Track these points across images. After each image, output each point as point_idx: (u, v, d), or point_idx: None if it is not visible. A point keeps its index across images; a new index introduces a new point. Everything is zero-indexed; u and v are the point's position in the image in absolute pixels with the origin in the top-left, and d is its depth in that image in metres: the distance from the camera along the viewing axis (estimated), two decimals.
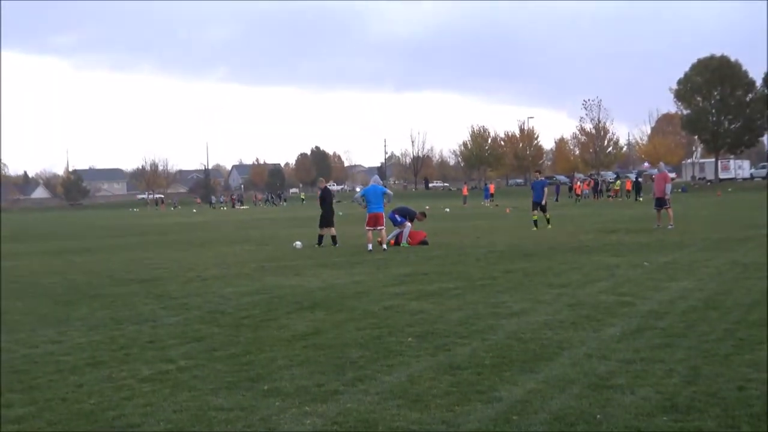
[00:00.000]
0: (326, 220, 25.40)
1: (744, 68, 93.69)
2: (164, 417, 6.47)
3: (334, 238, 25.15)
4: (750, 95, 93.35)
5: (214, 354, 8.99)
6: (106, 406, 6.92)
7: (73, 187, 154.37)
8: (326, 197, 26.29)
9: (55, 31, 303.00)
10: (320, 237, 25.41)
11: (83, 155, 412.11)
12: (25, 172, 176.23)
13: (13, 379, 8.06)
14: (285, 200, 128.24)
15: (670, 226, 26.48)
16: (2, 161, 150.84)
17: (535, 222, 29.18)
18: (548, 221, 29.79)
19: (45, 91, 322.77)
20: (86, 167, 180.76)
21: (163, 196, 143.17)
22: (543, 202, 29.59)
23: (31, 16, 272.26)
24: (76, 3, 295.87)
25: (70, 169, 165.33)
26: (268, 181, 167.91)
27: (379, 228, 23.04)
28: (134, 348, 9.56)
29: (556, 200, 68.14)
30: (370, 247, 22.66)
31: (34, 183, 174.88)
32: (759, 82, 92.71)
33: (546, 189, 30.85)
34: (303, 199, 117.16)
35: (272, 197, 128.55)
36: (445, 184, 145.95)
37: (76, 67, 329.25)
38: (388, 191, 24.34)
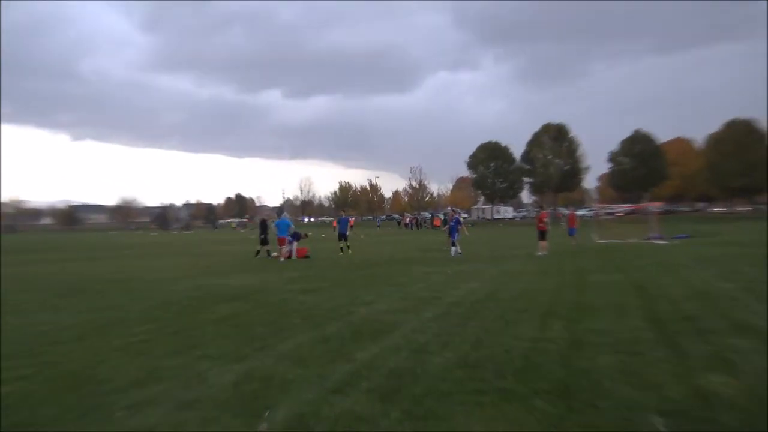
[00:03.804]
0: (264, 241, 25.34)
1: (510, 150, 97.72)
2: (128, 374, 6.16)
3: (267, 252, 24.81)
4: (512, 167, 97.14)
5: (164, 330, 8.59)
6: (86, 366, 6.54)
7: (70, 217, 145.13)
8: (265, 226, 26.23)
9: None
10: (258, 251, 25.26)
11: (78, 193, 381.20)
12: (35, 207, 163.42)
13: (22, 349, 7.49)
14: (216, 227, 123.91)
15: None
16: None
17: (341, 249, 24.95)
18: (348, 248, 25.06)
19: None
20: (80, 203, 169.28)
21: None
22: (347, 234, 25.53)
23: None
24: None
25: (69, 204, 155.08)
26: (205, 214, 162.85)
27: (281, 247, 22.92)
28: (108, 327, 9.04)
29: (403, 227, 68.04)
30: (282, 259, 22.45)
31: (43, 214, 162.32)
32: (518, 159, 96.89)
33: (349, 223, 27.82)
34: (234, 227, 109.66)
35: (210, 224, 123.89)
36: (322, 218, 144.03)
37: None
38: (292, 224, 24.62)
